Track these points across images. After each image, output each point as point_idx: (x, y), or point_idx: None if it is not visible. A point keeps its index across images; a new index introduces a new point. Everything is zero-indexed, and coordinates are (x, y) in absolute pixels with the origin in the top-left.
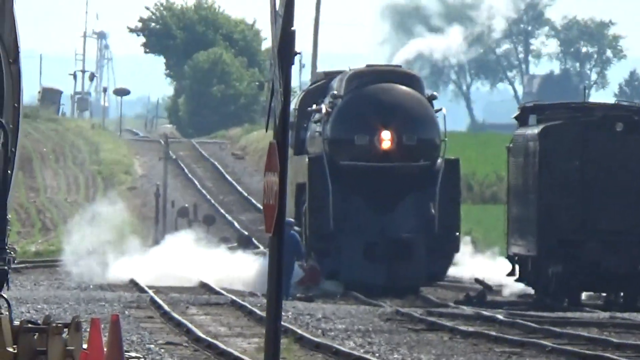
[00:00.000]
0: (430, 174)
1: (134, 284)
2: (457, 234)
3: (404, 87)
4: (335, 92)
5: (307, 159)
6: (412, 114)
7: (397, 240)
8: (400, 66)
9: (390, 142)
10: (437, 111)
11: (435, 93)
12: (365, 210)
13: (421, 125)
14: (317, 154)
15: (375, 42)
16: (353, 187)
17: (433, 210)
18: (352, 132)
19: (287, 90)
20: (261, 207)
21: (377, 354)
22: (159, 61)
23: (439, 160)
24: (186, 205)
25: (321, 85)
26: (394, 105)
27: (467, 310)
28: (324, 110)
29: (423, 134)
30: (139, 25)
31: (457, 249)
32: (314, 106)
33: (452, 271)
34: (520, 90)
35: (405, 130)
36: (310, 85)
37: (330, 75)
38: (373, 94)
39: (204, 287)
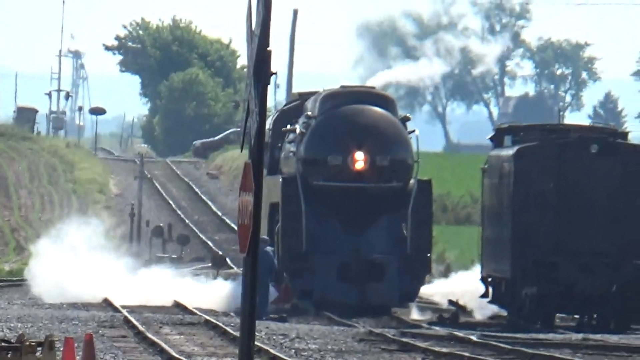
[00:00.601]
0: (403, 194)
1: (107, 304)
2: (429, 255)
3: (377, 109)
4: (309, 112)
5: (280, 179)
6: (385, 135)
7: (370, 260)
8: (373, 87)
9: (364, 162)
10: (410, 132)
11: (408, 115)
12: (339, 230)
13: (394, 146)
14: (291, 174)
15: (350, 62)
16: (326, 207)
17: (405, 232)
18: (325, 153)
19: (262, 111)
20: (235, 227)
21: None
22: (135, 80)
23: (412, 181)
24: (161, 224)
25: (295, 105)
26: (367, 126)
27: (441, 331)
28: (297, 131)
29: (396, 155)
30: (115, 43)
31: (428, 270)
32: (288, 126)
33: (424, 291)
34: (495, 111)
35: (378, 151)
36: (285, 106)
37: (304, 96)
38: (346, 115)
39: (178, 306)
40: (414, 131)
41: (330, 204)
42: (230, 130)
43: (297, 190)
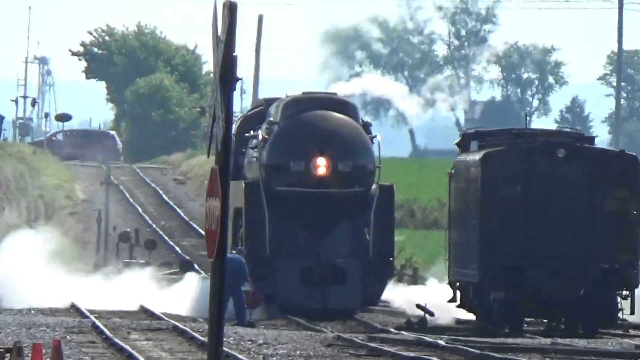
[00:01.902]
0: (365, 199)
1: (75, 309)
2: (391, 259)
3: (339, 115)
4: (272, 118)
5: (243, 184)
6: (347, 140)
7: (333, 265)
8: (335, 94)
9: (326, 168)
10: (372, 138)
11: (369, 121)
12: (302, 235)
13: (356, 151)
14: (254, 179)
15: (316, 68)
16: (289, 213)
17: (368, 236)
18: (287, 158)
19: (228, 116)
20: (203, 232)
21: None
22: (101, 86)
23: (374, 187)
24: (128, 230)
25: (259, 111)
26: (329, 132)
27: (409, 336)
28: (260, 137)
29: (358, 160)
30: (81, 49)
31: (391, 274)
32: (252, 132)
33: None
34: (462, 116)
35: (340, 156)
36: (249, 111)
37: (269, 102)
38: (308, 121)
39: (146, 312)
40: (375, 136)
41: (293, 209)
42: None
43: (260, 196)
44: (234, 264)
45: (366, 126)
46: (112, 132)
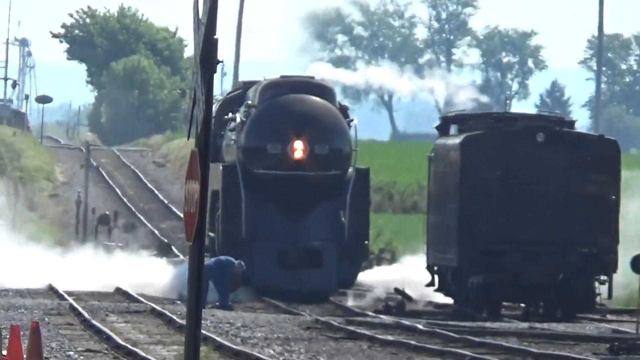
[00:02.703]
0: (341, 183)
1: (53, 291)
2: (366, 242)
3: (316, 98)
4: (250, 101)
5: (221, 167)
6: (324, 124)
7: (309, 247)
8: (312, 77)
9: (303, 151)
10: (349, 122)
11: (347, 104)
12: (278, 218)
13: (332, 135)
14: (232, 162)
15: (296, 50)
16: (266, 195)
17: (343, 219)
18: (265, 141)
19: (209, 99)
20: (182, 215)
21: None
22: (81, 68)
23: (350, 170)
24: (107, 212)
25: (238, 94)
26: (306, 115)
27: (387, 319)
28: (238, 119)
29: (334, 143)
30: (62, 31)
31: (366, 257)
32: (230, 115)
33: (368, 279)
34: (442, 100)
35: (317, 140)
36: (229, 94)
37: (248, 85)
38: (286, 104)
39: (124, 294)
40: (352, 120)
41: (270, 192)
42: None
43: (237, 179)
44: (227, 266)
45: (343, 110)
46: (22, 110)
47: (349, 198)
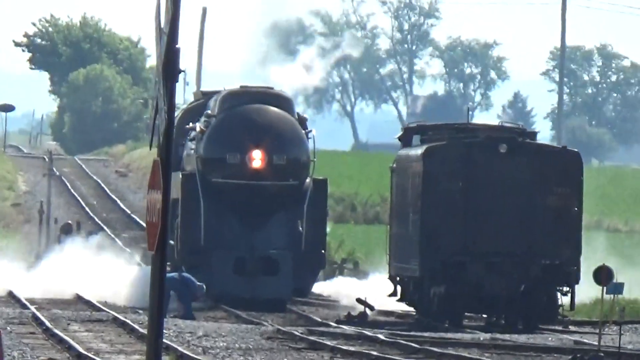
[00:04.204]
0: (299, 192)
1: (15, 300)
2: (323, 251)
3: (275, 109)
4: (210, 111)
5: (180, 175)
6: (282, 134)
7: (266, 256)
8: (272, 88)
9: (261, 161)
10: (307, 132)
11: (305, 115)
12: (237, 226)
13: (291, 145)
14: (192, 171)
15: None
16: (225, 204)
17: (301, 228)
18: (224, 151)
19: (171, 109)
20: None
21: None
22: (44, 77)
23: (308, 180)
24: (69, 222)
25: (200, 104)
26: (265, 125)
27: (349, 329)
28: (198, 129)
29: (292, 153)
30: (25, 40)
31: (323, 265)
32: (190, 124)
33: (329, 290)
34: (404, 110)
35: (275, 150)
36: (190, 104)
37: (208, 95)
38: (245, 114)
39: (86, 303)
40: (311, 131)
41: (228, 201)
42: None
43: (196, 187)
44: (191, 281)
45: (302, 120)
46: None
47: (307, 208)
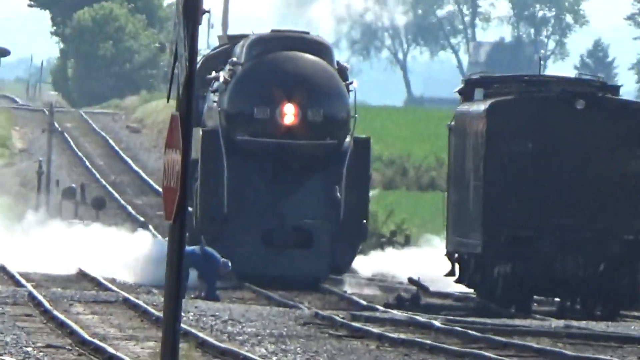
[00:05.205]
0: (337, 154)
1: (8, 275)
2: (365, 221)
3: (310, 57)
4: (236, 59)
5: (201, 132)
6: (319, 86)
7: (299, 226)
8: (307, 32)
9: (294, 117)
10: (348, 84)
11: (346, 64)
12: (264, 192)
13: (328, 99)
14: (214, 127)
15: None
16: (251, 166)
17: (339, 195)
18: (251, 105)
19: (192, 55)
20: (160, 190)
21: None
22: (44, 17)
23: (348, 139)
24: (73, 185)
25: (223, 50)
26: (299, 76)
27: (399, 314)
28: (222, 79)
29: (330, 108)
30: None
31: (364, 238)
32: (213, 73)
33: (379, 268)
34: (465, 60)
35: (311, 104)
36: (213, 50)
37: (234, 40)
38: (276, 63)
39: (92, 280)
40: (352, 82)
41: (255, 163)
42: None
43: (218, 146)
44: (213, 256)
45: (342, 70)
46: None
47: (346, 171)
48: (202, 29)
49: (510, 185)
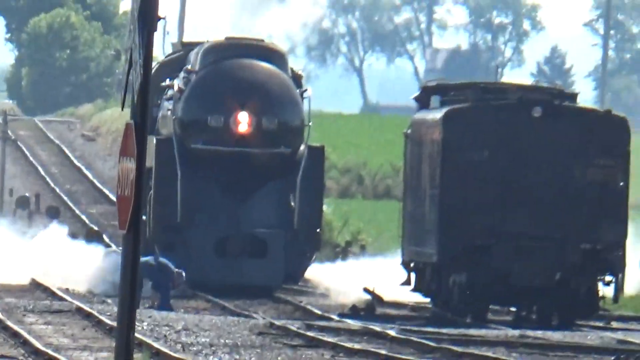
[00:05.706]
0: (292, 162)
1: None
2: (318, 230)
3: (265, 64)
4: (190, 66)
5: (154, 140)
6: (273, 94)
7: (252, 235)
8: (262, 40)
9: (248, 125)
10: (302, 92)
11: (300, 72)
12: (218, 200)
13: (283, 107)
14: (168, 135)
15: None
16: (205, 175)
17: (293, 203)
18: (205, 113)
19: (147, 62)
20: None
21: None
22: None
23: (302, 147)
24: (27, 194)
25: (178, 57)
26: (253, 83)
27: (354, 324)
28: (176, 87)
29: (284, 116)
30: None
31: (318, 247)
32: (167, 81)
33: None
34: (421, 66)
35: (265, 112)
36: (167, 57)
37: (189, 47)
38: (230, 71)
39: (45, 291)
40: (306, 90)
41: (209, 171)
42: None
43: (173, 154)
44: (167, 266)
45: (296, 78)
46: None
47: (300, 180)
48: (158, 35)
49: (467, 194)
